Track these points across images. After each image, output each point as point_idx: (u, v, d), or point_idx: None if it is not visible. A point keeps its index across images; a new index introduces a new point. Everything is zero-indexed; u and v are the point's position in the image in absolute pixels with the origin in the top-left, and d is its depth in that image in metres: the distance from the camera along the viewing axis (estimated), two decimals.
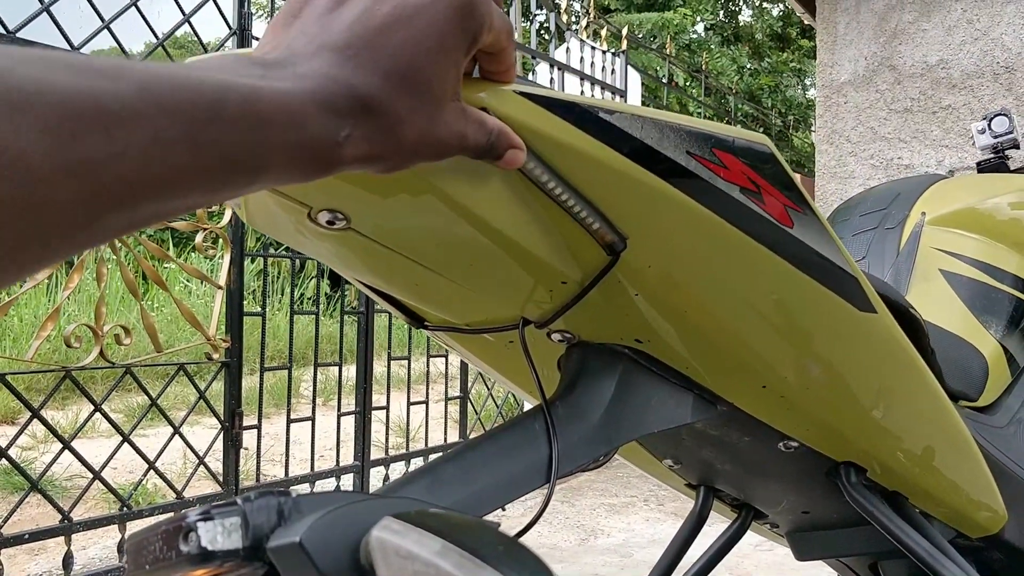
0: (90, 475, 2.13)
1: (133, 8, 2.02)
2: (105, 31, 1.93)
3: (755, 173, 0.52)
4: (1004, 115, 1.46)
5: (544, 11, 3.99)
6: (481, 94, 0.44)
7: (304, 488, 2.60)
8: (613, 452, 0.60)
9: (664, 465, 0.78)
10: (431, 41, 0.35)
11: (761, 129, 8.61)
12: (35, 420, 2.02)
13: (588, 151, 0.47)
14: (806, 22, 5.13)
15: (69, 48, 1.80)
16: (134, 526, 2.16)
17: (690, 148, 0.50)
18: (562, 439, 0.53)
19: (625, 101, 4.01)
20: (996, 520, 0.83)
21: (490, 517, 0.50)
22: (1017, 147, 1.45)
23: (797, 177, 0.57)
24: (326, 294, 7.08)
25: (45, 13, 1.73)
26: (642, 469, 0.83)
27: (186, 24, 2.14)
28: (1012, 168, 1.44)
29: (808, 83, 11.69)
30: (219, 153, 0.28)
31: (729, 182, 0.51)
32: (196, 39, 2.21)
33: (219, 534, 0.35)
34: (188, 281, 6.24)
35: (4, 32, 1.66)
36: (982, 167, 1.44)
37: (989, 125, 1.46)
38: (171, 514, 0.36)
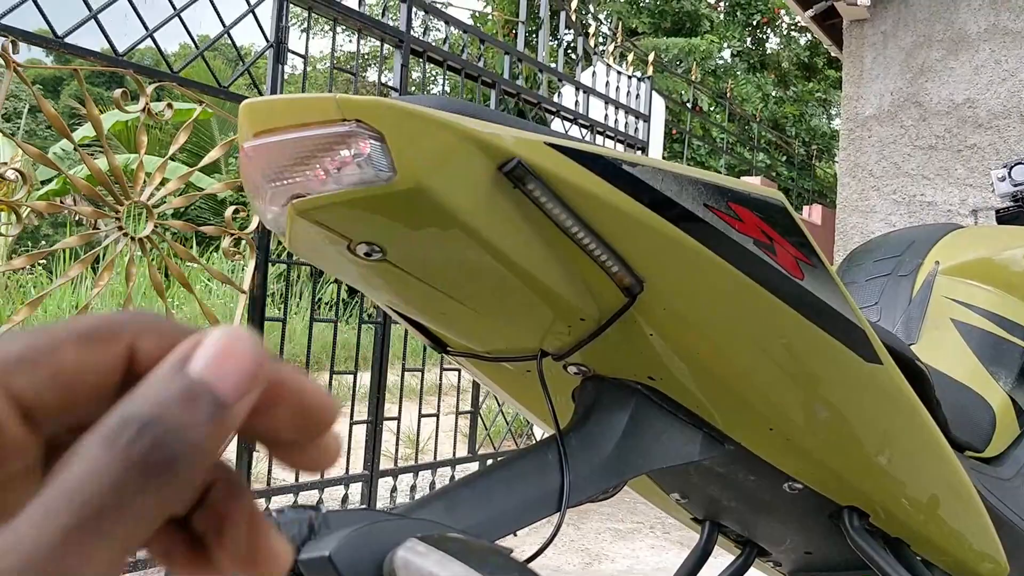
0: None
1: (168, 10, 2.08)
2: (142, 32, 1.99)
3: (769, 226, 0.55)
4: None
5: (572, 32, 4.03)
6: (513, 145, 0.47)
7: (312, 494, 2.63)
8: (622, 485, 0.62)
9: (672, 499, 0.80)
10: None
11: (784, 157, 8.60)
12: None
13: (611, 200, 0.50)
14: (833, 54, 5.15)
15: (112, 53, 1.86)
16: None
17: (707, 200, 0.52)
18: (574, 470, 0.56)
19: (649, 125, 4.03)
20: (997, 571, 0.84)
21: (501, 541, 0.53)
22: None
23: (812, 233, 0.60)
24: (343, 300, 7.14)
25: (92, 20, 1.79)
26: (650, 501, 0.85)
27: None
28: None
29: (833, 113, 11.67)
30: None
31: (743, 234, 0.54)
32: (232, 46, 2.26)
33: None
34: (209, 281, 6.32)
35: (55, 37, 1.73)
36: (1001, 215, 1.45)
37: (1009, 173, 1.46)
38: None
